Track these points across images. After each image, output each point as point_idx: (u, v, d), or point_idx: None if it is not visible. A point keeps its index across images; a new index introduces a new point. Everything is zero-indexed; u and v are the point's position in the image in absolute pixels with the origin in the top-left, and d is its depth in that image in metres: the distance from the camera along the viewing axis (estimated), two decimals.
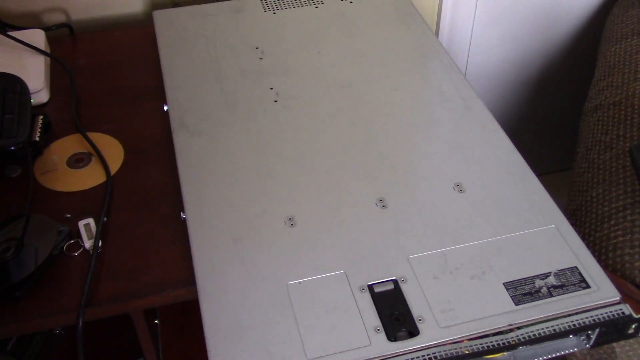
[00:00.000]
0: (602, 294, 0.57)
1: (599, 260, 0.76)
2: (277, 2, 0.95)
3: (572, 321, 0.56)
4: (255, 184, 0.68)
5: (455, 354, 0.53)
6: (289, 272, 0.59)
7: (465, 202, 0.65)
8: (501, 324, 0.55)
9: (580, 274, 0.59)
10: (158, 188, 0.73)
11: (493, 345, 0.54)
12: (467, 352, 0.54)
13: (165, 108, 0.78)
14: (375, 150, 0.71)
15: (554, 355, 0.57)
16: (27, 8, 1.00)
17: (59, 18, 1.03)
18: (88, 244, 0.67)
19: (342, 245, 0.61)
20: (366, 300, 0.57)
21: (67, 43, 0.97)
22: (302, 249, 0.61)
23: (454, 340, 0.54)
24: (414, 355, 0.53)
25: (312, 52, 0.86)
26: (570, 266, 0.59)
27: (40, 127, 0.78)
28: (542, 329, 0.55)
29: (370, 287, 0.58)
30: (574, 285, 0.58)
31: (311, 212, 0.65)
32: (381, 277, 0.59)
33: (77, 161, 0.77)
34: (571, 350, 0.57)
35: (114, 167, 0.76)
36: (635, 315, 0.56)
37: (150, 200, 0.72)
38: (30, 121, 0.75)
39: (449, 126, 0.74)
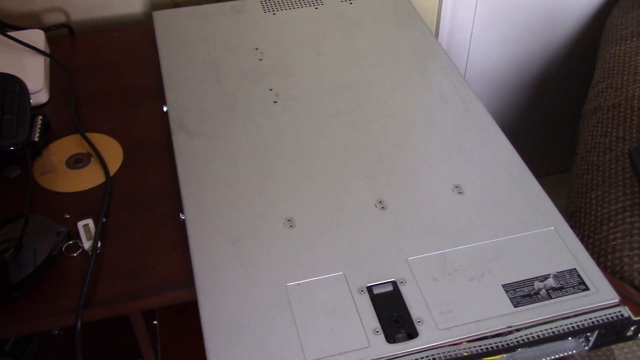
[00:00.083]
0: (601, 296, 0.57)
1: (598, 263, 0.77)
2: (277, 3, 0.95)
3: (571, 323, 0.56)
4: (254, 185, 0.68)
5: (454, 356, 0.53)
6: (288, 273, 0.59)
7: (464, 204, 0.65)
8: (500, 326, 0.55)
9: (579, 276, 0.59)
10: (157, 189, 0.73)
11: (492, 348, 0.54)
12: (466, 354, 0.54)
13: (165, 109, 0.78)
14: (375, 152, 0.71)
15: (552, 357, 0.57)
16: (26, 8, 1.00)
17: (59, 18, 1.02)
18: (87, 244, 0.66)
19: (341, 247, 0.61)
20: (365, 302, 0.57)
21: (66, 43, 0.97)
22: (301, 251, 0.61)
23: (452, 342, 0.54)
24: (412, 357, 0.53)
25: (311, 53, 0.86)
26: (569, 268, 0.59)
27: (39, 128, 0.78)
28: (541, 331, 0.55)
29: (369, 289, 0.58)
30: (573, 287, 0.58)
31: (310, 214, 0.65)
32: (380, 278, 0.59)
33: (76, 162, 0.77)
34: (570, 353, 0.57)
35: (113, 167, 0.76)
36: (634, 318, 0.56)
37: (150, 201, 0.72)
38: (30, 121, 0.75)
39: (449, 127, 0.74)
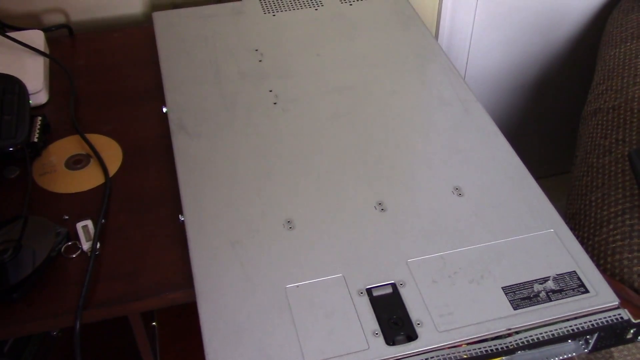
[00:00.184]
0: (600, 298, 0.57)
1: (598, 265, 0.76)
2: (276, 4, 0.95)
3: (570, 326, 0.55)
4: (254, 187, 0.68)
5: (453, 358, 0.53)
6: (287, 275, 0.59)
7: (464, 206, 0.65)
8: (500, 328, 0.55)
9: (579, 278, 0.59)
10: (156, 190, 0.73)
11: (491, 350, 0.54)
12: (465, 356, 0.54)
13: (165, 110, 0.78)
14: (375, 153, 0.71)
15: (552, 359, 0.57)
16: (26, 9, 1.00)
17: (59, 19, 1.02)
18: (86, 245, 0.66)
19: (341, 249, 0.61)
20: (364, 304, 0.57)
21: (66, 44, 0.97)
22: (301, 252, 0.61)
23: (452, 345, 0.54)
24: (412, 359, 0.53)
25: (311, 54, 0.86)
26: (569, 271, 0.59)
27: (38, 128, 0.78)
28: (541, 333, 0.55)
29: (369, 291, 0.58)
30: (573, 289, 0.58)
31: (310, 215, 0.64)
32: (380, 280, 0.59)
33: (75, 162, 0.77)
34: (570, 355, 0.57)
35: (113, 168, 0.76)
36: (633, 320, 0.56)
37: (149, 203, 0.72)
38: (29, 122, 0.75)
39: (448, 129, 0.74)
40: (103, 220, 0.69)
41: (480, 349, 0.54)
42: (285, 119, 0.76)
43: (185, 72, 0.83)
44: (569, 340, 0.56)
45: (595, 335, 0.56)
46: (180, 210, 0.66)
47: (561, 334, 0.55)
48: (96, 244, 0.66)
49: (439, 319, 0.56)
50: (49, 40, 0.94)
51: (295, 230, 0.63)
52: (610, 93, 1.03)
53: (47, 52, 0.92)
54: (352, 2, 0.96)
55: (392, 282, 0.58)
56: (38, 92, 0.84)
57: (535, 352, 0.56)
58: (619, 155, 0.91)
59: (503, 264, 0.60)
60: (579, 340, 0.57)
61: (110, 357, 0.86)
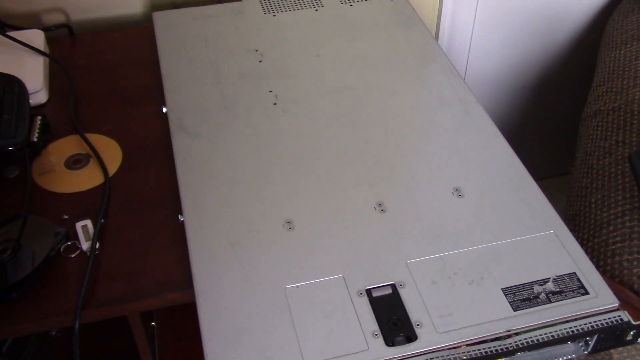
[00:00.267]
0: (600, 300, 0.57)
1: (598, 266, 0.76)
2: (277, 4, 0.95)
3: (570, 327, 0.55)
4: (253, 187, 0.67)
5: None
6: (287, 275, 0.59)
7: (464, 207, 0.65)
8: (499, 329, 0.55)
9: (578, 280, 0.59)
10: (156, 190, 0.73)
11: (491, 351, 0.54)
12: (465, 357, 0.54)
13: (164, 110, 0.78)
14: (375, 154, 0.71)
15: None
16: (26, 8, 1.00)
17: (59, 18, 1.02)
18: (85, 245, 0.66)
19: (341, 249, 0.61)
20: (364, 305, 0.57)
21: (66, 44, 0.97)
22: (301, 253, 0.61)
23: (452, 346, 0.54)
24: None
25: (311, 55, 0.86)
26: (568, 272, 0.59)
27: (38, 128, 0.78)
28: (541, 335, 0.55)
29: (369, 292, 0.58)
30: (573, 291, 0.58)
31: (310, 216, 0.64)
32: (379, 281, 0.58)
33: (75, 162, 0.77)
34: (569, 357, 0.57)
35: (112, 168, 0.76)
36: (633, 322, 0.56)
37: (148, 203, 0.72)
38: (29, 122, 0.75)
39: (449, 130, 0.74)
40: (102, 220, 0.69)
41: (479, 350, 0.54)
42: (285, 120, 0.76)
43: (185, 72, 0.83)
44: (569, 342, 0.56)
45: (595, 337, 0.56)
46: (179, 211, 0.66)
47: (561, 336, 0.55)
48: (95, 244, 0.66)
49: (438, 320, 0.55)
50: (49, 40, 0.94)
51: (295, 230, 0.63)
52: (610, 95, 1.03)
53: (47, 51, 0.92)
54: (352, 3, 0.96)
55: (392, 282, 0.58)
56: (38, 91, 0.83)
57: (535, 354, 0.56)
58: (619, 157, 0.91)
59: (503, 265, 0.60)
60: (579, 342, 0.57)
61: (109, 357, 0.86)
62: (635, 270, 0.76)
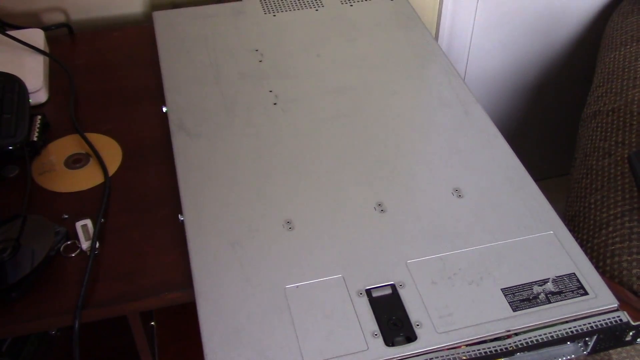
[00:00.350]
0: (599, 300, 0.57)
1: (597, 267, 0.77)
2: (277, 4, 0.95)
3: (569, 328, 0.55)
4: (253, 187, 0.67)
5: None
6: (286, 275, 0.59)
7: (463, 207, 0.65)
8: (499, 330, 0.55)
9: (578, 280, 0.59)
10: (156, 190, 0.73)
11: (490, 351, 0.54)
12: (464, 357, 0.54)
13: (164, 110, 0.78)
14: (374, 154, 0.71)
15: None
16: (26, 7, 1.00)
17: (59, 18, 1.02)
18: (85, 245, 0.66)
19: (341, 249, 0.61)
20: (364, 305, 0.57)
21: (66, 43, 0.97)
22: (301, 253, 0.61)
23: (451, 346, 0.54)
24: None
25: (311, 55, 0.86)
26: (568, 272, 0.59)
27: (38, 127, 0.78)
28: (540, 335, 0.55)
29: (368, 292, 0.58)
30: (572, 291, 0.58)
31: (310, 216, 0.64)
32: (379, 281, 0.58)
33: (75, 162, 0.77)
34: (569, 357, 0.57)
35: (112, 168, 0.76)
36: (632, 323, 0.56)
37: (148, 202, 0.72)
38: (29, 121, 0.75)
39: (448, 130, 0.74)
40: (102, 220, 0.69)
41: (479, 350, 0.54)
42: (285, 120, 0.76)
43: (186, 72, 0.83)
44: (568, 342, 0.56)
45: (594, 338, 0.56)
46: (179, 210, 0.66)
47: (560, 336, 0.55)
48: (95, 244, 0.66)
49: (438, 320, 0.56)
50: (49, 39, 0.94)
51: (295, 230, 0.63)
52: (609, 95, 1.03)
53: (47, 51, 0.92)
54: (352, 3, 0.96)
55: (392, 283, 0.58)
56: (38, 91, 0.83)
57: (534, 354, 0.56)
58: (618, 158, 0.91)
59: (502, 265, 0.60)
60: (578, 342, 0.57)
61: (108, 357, 0.86)
62: (634, 271, 0.77)
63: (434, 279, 0.59)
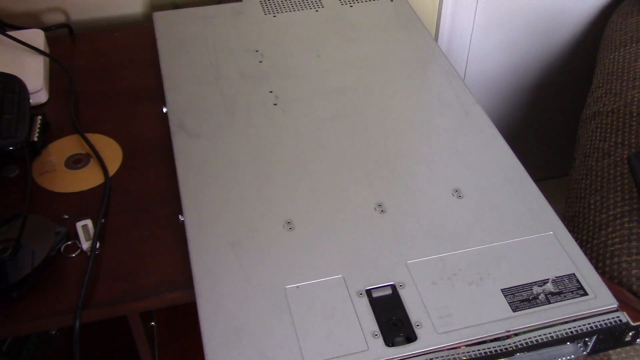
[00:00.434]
0: (599, 301, 0.57)
1: (597, 268, 0.77)
2: (277, 5, 0.96)
3: (569, 328, 0.56)
4: (254, 187, 0.68)
5: None
6: (287, 276, 0.59)
7: (463, 208, 0.65)
8: (499, 330, 0.55)
9: (577, 281, 0.59)
10: (156, 190, 0.73)
11: (490, 352, 0.54)
12: (464, 358, 0.54)
13: (165, 110, 0.78)
14: (375, 155, 0.71)
15: None
16: (26, 8, 1.00)
17: (59, 18, 1.02)
18: (86, 245, 0.66)
19: (341, 250, 0.61)
20: (364, 305, 0.57)
21: (66, 43, 0.97)
22: (301, 253, 0.61)
23: (451, 346, 0.54)
24: None
25: (311, 55, 0.86)
26: (568, 273, 0.59)
27: (38, 128, 0.78)
28: (540, 335, 0.55)
29: (368, 292, 0.58)
30: (572, 292, 0.58)
31: (310, 216, 0.65)
32: (379, 282, 0.59)
33: (75, 162, 0.77)
34: (568, 358, 0.57)
35: (113, 168, 0.76)
36: (632, 323, 0.56)
37: (149, 202, 0.72)
38: (29, 121, 0.75)
39: (448, 131, 0.75)
40: (103, 220, 0.69)
41: (479, 350, 0.54)
42: (285, 120, 0.76)
43: (186, 72, 0.83)
44: (568, 343, 0.56)
45: (594, 338, 0.56)
46: (180, 211, 0.66)
47: (560, 336, 0.55)
48: (96, 244, 0.66)
49: (438, 320, 0.56)
50: (49, 40, 0.94)
51: (295, 231, 0.63)
52: (609, 96, 1.03)
53: (47, 51, 0.92)
54: (352, 4, 0.96)
55: (392, 283, 0.58)
56: (38, 91, 0.84)
57: (534, 354, 0.56)
58: (617, 159, 0.91)
59: (502, 266, 0.60)
60: (578, 343, 0.57)
61: (108, 357, 0.86)
62: (634, 272, 0.77)
63: (434, 280, 0.59)
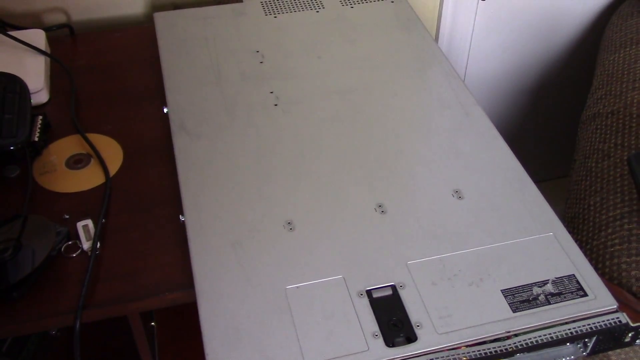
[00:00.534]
0: (599, 302, 0.57)
1: (596, 269, 0.77)
2: (278, 6, 0.96)
3: (569, 329, 0.56)
4: (254, 187, 0.68)
5: None
6: (287, 276, 0.59)
7: (464, 209, 0.66)
8: (499, 330, 0.55)
9: (577, 282, 0.59)
10: (157, 190, 0.73)
11: (490, 352, 0.54)
12: (464, 358, 0.54)
13: (165, 110, 0.78)
14: (375, 156, 0.72)
15: None
16: (27, 8, 1.00)
17: (60, 18, 1.02)
18: (86, 245, 0.66)
19: (341, 250, 0.61)
20: (364, 306, 0.57)
21: (67, 43, 0.97)
22: (301, 253, 0.61)
23: (451, 347, 0.54)
24: None
25: (312, 56, 0.86)
26: (567, 274, 0.60)
27: (39, 128, 0.78)
28: (540, 336, 0.55)
29: (369, 293, 0.58)
30: (572, 293, 0.58)
31: (310, 217, 0.65)
32: (379, 282, 0.59)
33: (76, 162, 0.77)
34: (568, 358, 0.57)
35: (113, 168, 0.76)
36: (632, 324, 0.56)
37: (149, 203, 0.72)
38: (30, 121, 0.75)
39: (448, 132, 0.75)
40: (103, 220, 0.69)
41: (479, 351, 0.54)
42: (286, 121, 0.76)
43: (186, 72, 0.83)
44: (568, 344, 0.57)
45: (594, 339, 0.56)
46: (180, 211, 0.66)
47: (560, 337, 0.55)
48: (96, 244, 0.66)
49: (438, 321, 0.56)
50: (50, 40, 0.94)
51: (296, 231, 0.63)
52: (609, 98, 1.03)
53: (48, 51, 0.92)
54: (353, 5, 0.96)
55: (392, 284, 0.59)
56: (39, 91, 0.84)
57: (534, 355, 0.56)
58: (617, 160, 0.91)
59: (502, 266, 0.60)
60: (578, 344, 0.57)
61: (108, 357, 0.86)
62: (633, 273, 0.77)
63: (434, 280, 0.59)
